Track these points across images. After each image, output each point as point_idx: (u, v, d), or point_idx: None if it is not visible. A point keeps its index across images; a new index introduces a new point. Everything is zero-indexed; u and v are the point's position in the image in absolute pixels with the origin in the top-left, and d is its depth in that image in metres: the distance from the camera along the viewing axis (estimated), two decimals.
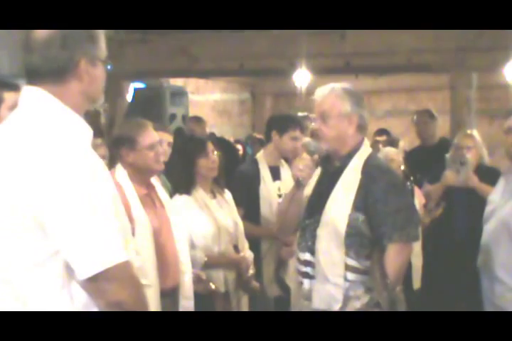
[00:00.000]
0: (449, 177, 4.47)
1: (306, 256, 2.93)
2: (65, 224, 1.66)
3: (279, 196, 4.27)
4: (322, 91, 2.97)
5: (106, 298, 1.68)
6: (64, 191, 1.66)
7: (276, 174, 4.35)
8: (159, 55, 7.86)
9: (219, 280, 3.67)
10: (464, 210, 4.58)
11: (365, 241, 2.84)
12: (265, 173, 4.31)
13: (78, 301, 1.72)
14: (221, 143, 6.74)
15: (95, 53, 1.84)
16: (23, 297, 1.71)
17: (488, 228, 3.38)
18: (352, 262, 2.83)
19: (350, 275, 2.83)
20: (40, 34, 1.79)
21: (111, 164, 3.28)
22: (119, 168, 3.22)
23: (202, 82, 11.08)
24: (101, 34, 1.86)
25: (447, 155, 4.69)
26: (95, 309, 1.71)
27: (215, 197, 3.82)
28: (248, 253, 3.87)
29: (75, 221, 1.66)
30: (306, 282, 2.93)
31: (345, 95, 2.94)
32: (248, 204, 4.17)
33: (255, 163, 4.39)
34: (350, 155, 2.93)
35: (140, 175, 3.22)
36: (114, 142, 3.30)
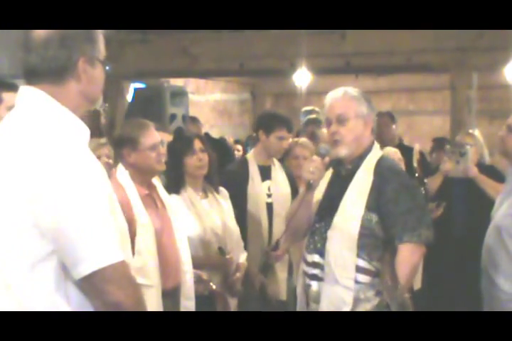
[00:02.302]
0: (448, 167, 4.45)
1: (315, 258, 2.92)
2: (61, 223, 1.65)
3: (269, 196, 4.23)
4: (335, 95, 2.98)
5: (102, 298, 1.68)
6: (60, 190, 1.65)
7: (266, 173, 4.28)
8: (159, 55, 7.86)
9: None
10: (464, 204, 4.58)
11: (377, 242, 2.83)
12: (254, 173, 4.25)
13: (74, 301, 1.71)
14: (215, 143, 6.74)
15: (94, 53, 1.83)
16: (19, 297, 1.70)
17: (488, 229, 3.40)
18: (363, 264, 2.82)
19: (361, 277, 2.82)
20: (39, 34, 1.78)
21: (116, 164, 3.28)
22: (121, 168, 3.21)
23: (202, 82, 11.08)
24: (99, 34, 1.86)
25: (447, 147, 4.68)
26: (91, 309, 1.71)
27: (206, 196, 3.75)
28: (238, 256, 3.78)
29: (70, 220, 1.65)
30: (315, 284, 2.91)
31: (361, 97, 2.96)
32: (236, 203, 4.09)
33: (245, 162, 4.33)
34: (362, 157, 2.94)
35: (142, 175, 3.21)
36: (116, 142, 3.30)
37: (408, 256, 2.80)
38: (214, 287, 3.53)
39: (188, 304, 3.21)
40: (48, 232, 1.67)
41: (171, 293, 3.17)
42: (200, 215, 3.64)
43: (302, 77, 7.96)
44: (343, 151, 2.91)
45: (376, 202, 2.83)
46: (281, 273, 4.21)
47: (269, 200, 4.20)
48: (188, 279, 3.24)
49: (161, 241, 3.15)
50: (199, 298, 3.30)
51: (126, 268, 1.71)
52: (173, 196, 3.61)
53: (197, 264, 3.53)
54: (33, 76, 1.79)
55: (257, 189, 4.21)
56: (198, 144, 3.69)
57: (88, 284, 1.67)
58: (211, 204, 3.74)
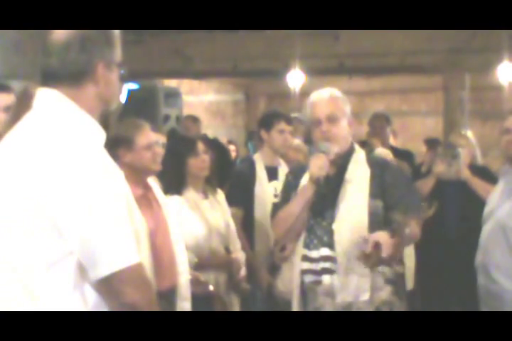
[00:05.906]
0: (440, 169, 4.47)
1: (324, 252, 2.96)
2: (79, 224, 1.67)
3: (275, 196, 4.24)
4: (323, 95, 3.11)
5: (119, 299, 1.69)
6: (79, 192, 1.67)
7: (273, 174, 4.32)
8: (153, 56, 7.87)
9: (209, 281, 3.64)
10: (456, 206, 4.59)
11: (382, 227, 2.93)
12: (261, 173, 4.30)
13: (91, 302, 1.72)
14: (213, 144, 6.72)
15: (112, 57, 1.86)
16: (36, 297, 1.71)
17: (486, 229, 3.39)
18: None
19: None
20: (59, 37, 1.79)
21: None
22: None
23: (196, 83, 11.08)
24: (118, 38, 1.88)
25: (439, 149, 4.69)
26: (106, 310, 1.72)
27: (207, 197, 3.77)
28: (240, 255, 3.82)
29: (89, 222, 1.67)
30: (327, 278, 2.95)
31: (344, 98, 3.13)
32: (243, 204, 4.14)
33: (252, 163, 4.37)
34: (349, 153, 3.09)
35: (137, 175, 3.20)
36: (111, 142, 3.29)
37: (416, 228, 2.99)
38: (212, 288, 3.53)
39: (184, 305, 3.21)
40: (65, 233, 1.68)
41: (166, 295, 3.16)
42: (204, 216, 3.67)
43: (296, 78, 7.97)
44: (336, 148, 3.01)
45: (380, 188, 3.01)
46: (289, 273, 4.21)
47: (276, 201, 4.22)
48: (183, 280, 3.23)
49: (156, 242, 3.15)
50: (197, 299, 3.30)
51: (142, 270, 1.73)
52: (175, 197, 3.63)
53: (203, 264, 3.55)
54: (51, 79, 1.80)
55: (264, 190, 4.25)
56: (201, 146, 3.73)
57: (105, 285, 1.69)
58: (212, 205, 3.77)
